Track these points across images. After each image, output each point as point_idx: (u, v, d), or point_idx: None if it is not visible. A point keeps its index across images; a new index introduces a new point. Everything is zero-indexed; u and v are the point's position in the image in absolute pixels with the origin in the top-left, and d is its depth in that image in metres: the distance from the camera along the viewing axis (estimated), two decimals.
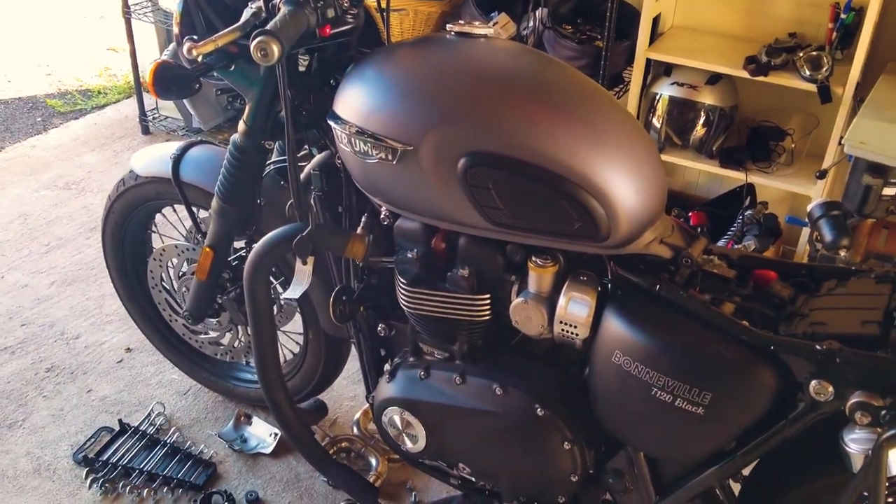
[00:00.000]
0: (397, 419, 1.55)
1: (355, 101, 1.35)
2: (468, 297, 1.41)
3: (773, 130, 2.55)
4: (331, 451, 2.02)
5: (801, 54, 2.28)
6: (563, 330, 1.34)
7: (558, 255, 1.35)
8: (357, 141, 1.34)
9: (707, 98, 2.49)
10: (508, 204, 1.28)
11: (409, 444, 1.56)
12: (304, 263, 1.49)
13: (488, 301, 1.42)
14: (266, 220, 1.75)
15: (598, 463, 1.44)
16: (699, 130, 2.54)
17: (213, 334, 2.07)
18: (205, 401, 2.26)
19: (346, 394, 2.26)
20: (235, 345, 2.05)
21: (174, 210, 2.03)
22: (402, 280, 1.45)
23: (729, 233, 2.54)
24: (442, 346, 1.52)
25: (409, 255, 1.44)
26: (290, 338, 2.09)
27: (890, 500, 1.15)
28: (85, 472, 1.98)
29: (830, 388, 1.13)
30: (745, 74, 2.35)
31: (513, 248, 1.37)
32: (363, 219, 1.51)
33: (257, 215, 1.74)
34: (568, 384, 1.44)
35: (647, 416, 1.28)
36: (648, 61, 2.57)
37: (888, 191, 2.08)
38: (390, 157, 1.31)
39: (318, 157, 1.58)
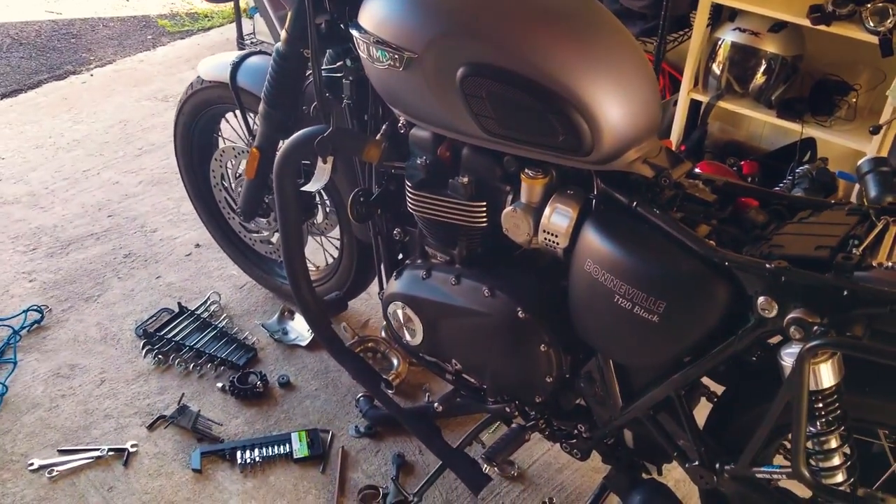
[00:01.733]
0: (399, 313, 1.69)
1: (373, 11, 1.46)
2: (466, 203, 1.52)
3: (839, 84, 2.49)
4: (358, 350, 2.19)
5: (869, 5, 2.22)
6: (545, 238, 1.43)
7: (550, 169, 1.43)
8: (372, 48, 1.46)
9: (769, 46, 2.45)
10: (500, 114, 1.37)
11: (408, 337, 1.70)
12: (325, 162, 1.63)
13: (484, 208, 1.52)
14: (307, 124, 1.89)
15: (573, 368, 1.54)
16: (759, 79, 2.51)
17: (263, 233, 2.26)
18: (256, 295, 2.47)
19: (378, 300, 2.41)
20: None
21: (235, 116, 2.21)
22: (409, 183, 1.57)
23: (780, 185, 2.52)
24: (444, 249, 1.63)
25: (418, 162, 1.55)
26: (332, 243, 2.25)
27: (822, 415, 1.20)
28: (142, 344, 2.23)
29: (775, 305, 1.18)
30: (807, 23, 2.30)
31: (509, 160, 1.46)
32: (383, 126, 1.64)
33: (299, 119, 1.88)
34: (549, 293, 1.52)
35: (611, 322, 1.36)
36: (713, 5, 2.54)
37: None
38: (397, 64, 1.42)
39: (349, 67, 1.70)
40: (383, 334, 2.22)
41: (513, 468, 1.92)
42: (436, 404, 1.74)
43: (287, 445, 1.95)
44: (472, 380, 1.71)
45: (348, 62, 1.72)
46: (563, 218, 1.40)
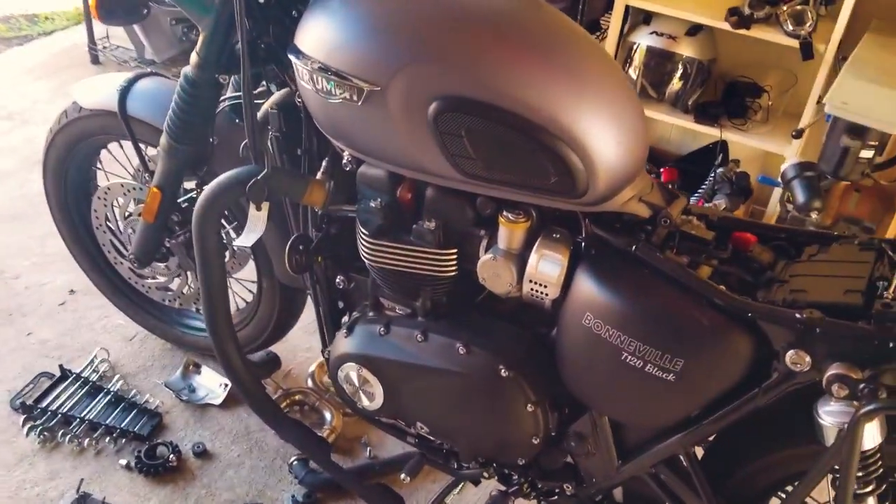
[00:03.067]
0: (354, 375, 1.48)
1: (319, 35, 1.24)
2: (434, 252, 1.33)
3: (751, 87, 2.49)
4: (284, 405, 1.96)
5: (785, 8, 2.20)
6: (532, 289, 1.27)
7: (531, 211, 1.27)
8: (319, 78, 1.24)
9: (686, 49, 2.41)
10: (481, 154, 1.19)
11: (365, 402, 1.50)
12: (259, 209, 1.40)
13: (455, 256, 1.34)
14: (219, 160, 1.64)
15: (561, 426, 1.39)
16: (676, 84, 2.46)
17: (160, 279, 1.97)
18: (151, 348, 2.16)
19: (301, 345, 2.18)
20: (185, 291, 1.96)
21: (121, 146, 1.90)
22: (363, 231, 1.36)
23: (700, 190, 2.49)
24: (404, 301, 1.44)
25: (372, 205, 1.35)
26: (243, 286, 1.99)
27: (860, 473, 1.12)
28: (22, 420, 1.89)
29: (808, 359, 1.09)
30: (726, 26, 2.27)
31: (483, 202, 1.29)
32: (324, 163, 1.42)
33: (209, 155, 1.63)
34: (533, 345, 1.38)
35: (615, 381, 1.23)
36: (627, 8, 2.47)
37: (865, 153, 2.04)
38: (355, 98, 1.21)
39: (276, 95, 1.47)
40: (310, 384, 2.00)
41: None
42: (403, 476, 1.54)
43: None
44: (441, 442, 1.53)
45: (272, 88, 1.49)
46: (554, 266, 1.25)
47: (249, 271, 1.91)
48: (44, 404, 1.92)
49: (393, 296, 1.45)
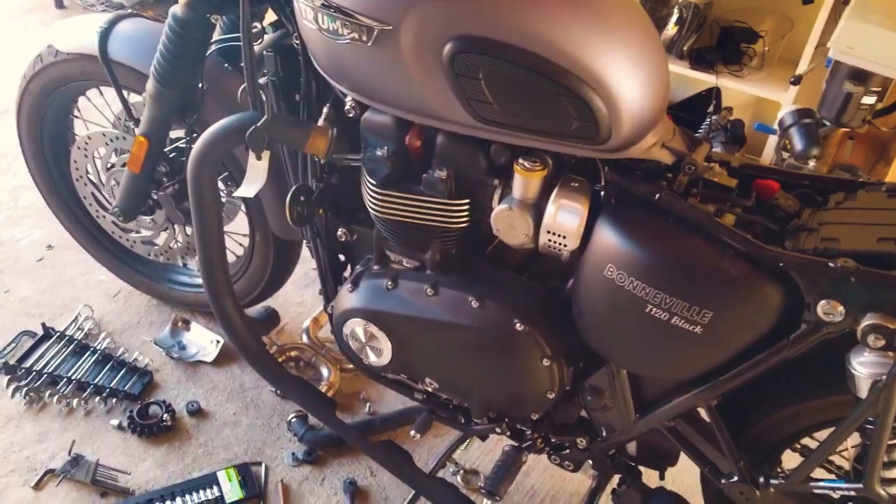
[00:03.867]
0: (360, 331, 1.43)
1: None
2: (445, 203, 1.27)
3: (746, 32, 2.43)
4: (280, 359, 1.90)
5: None
6: (549, 240, 1.22)
7: (547, 158, 1.22)
8: (324, 17, 1.16)
9: None
10: (500, 98, 1.13)
11: (372, 358, 1.45)
12: (259, 158, 1.32)
13: (467, 207, 1.28)
14: (209, 107, 1.56)
15: (576, 379, 1.36)
16: (671, 29, 2.40)
17: (146, 233, 1.88)
18: (137, 304, 2.09)
19: (293, 299, 2.12)
20: (171, 245, 1.88)
21: (101, 92, 1.81)
22: (370, 181, 1.30)
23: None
24: (411, 254, 1.38)
25: (379, 153, 1.28)
26: (234, 239, 1.92)
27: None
28: (6, 381, 1.81)
29: (841, 309, 1.05)
30: None
31: (497, 149, 1.23)
32: (325, 109, 1.34)
33: (199, 101, 1.54)
34: (547, 298, 1.34)
35: (638, 334, 1.19)
36: None
37: (867, 99, 2.00)
38: (364, 38, 1.13)
39: (271, 36, 1.39)
40: (305, 339, 1.95)
41: (478, 478, 1.74)
42: (412, 432, 1.50)
43: (215, 488, 1.65)
44: (450, 398, 1.49)
45: (266, 29, 1.40)
46: (573, 216, 1.19)
47: (239, 224, 1.84)
48: (28, 364, 1.84)
49: (400, 248, 1.39)
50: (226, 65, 1.61)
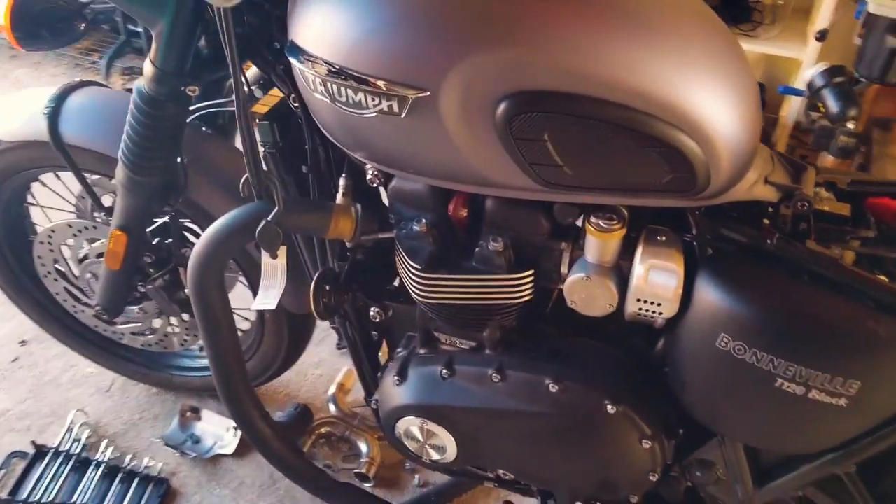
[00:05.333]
0: (416, 430, 1.22)
1: (330, 29, 0.92)
2: (505, 278, 1.06)
3: None
4: (310, 441, 1.68)
5: None
6: (640, 309, 1.02)
7: (623, 211, 1.01)
8: (338, 87, 0.93)
9: None
10: (570, 159, 0.91)
11: (435, 456, 1.24)
12: (274, 257, 1.10)
13: (531, 278, 1.07)
14: (194, 184, 1.32)
15: (679, 453, 1.17)
16: None
17: (136, 324, 1.65)
18: (136, 396, 1.85)
19: (308, 359, 1.90)
20: (167, 332, 1.64)
21: (57, 176, 1.55)
22: (412, 265, 1.08)
23: None
24: (466, 334, 1.18)
25: (417, 228, 1.07)
26: (238, 314, 1.68)
27: None
28: None
29: None
30: None
31: (562, 208, 1.02)
32: (341, 182, 1.12)
33: (182, 181, 1.30)
34: (636, 367, 1.14)
35: (766, 410, 1.00)
36: None
37: None
38: (396, 109, 0.91)
39: (262, 100, 1.16)
40: (333, 410, 1.73)
41: None
42: None
43: None
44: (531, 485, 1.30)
45: (255, 91, 1.18)
46: (668, 278, 0.99)
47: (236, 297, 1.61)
48: (24, 495, 1.61)
49: (451, 329, 1.18)
50: (204, 129, 1.38)
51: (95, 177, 1.43)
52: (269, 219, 1.04)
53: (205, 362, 1.79)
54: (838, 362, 0.92)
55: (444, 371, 1.17)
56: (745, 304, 0.95)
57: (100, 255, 1.51)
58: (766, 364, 0.95)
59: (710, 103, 0.89)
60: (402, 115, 0.91)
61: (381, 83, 0.90)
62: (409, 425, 1.22)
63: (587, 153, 0.91)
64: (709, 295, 0.98)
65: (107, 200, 1.44)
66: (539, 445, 1.17)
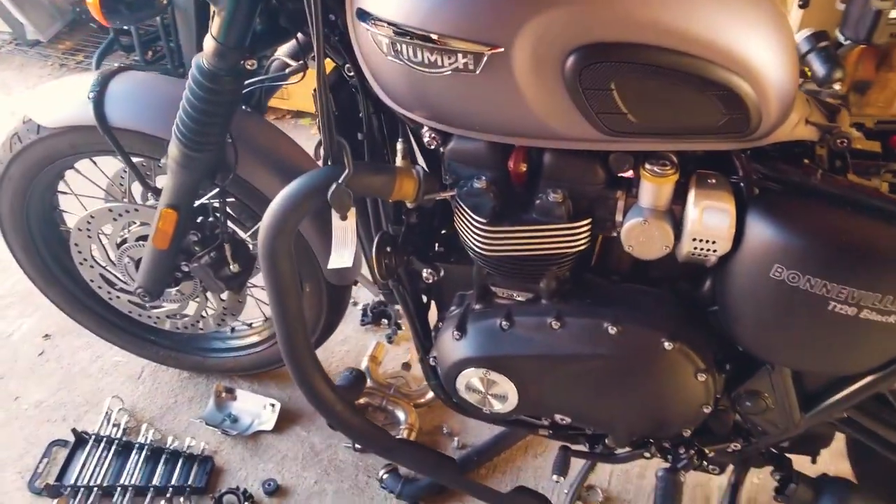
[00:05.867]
0: (477, 382, 1.27)
1: None
2: (564, 227, 1.12)
3: None
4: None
5: None
6: (696, 248, 1.08)
7: (673, 158, 1.08)
8: (413, 48, 0.98)
9: None
10: (636, 106, 0.98)
11: (496, 406, 1.30)
12: (344, 218, 1.14)
13: (589, 227, 1.14)
14: (243, 161, 1.35)
15: (728, 387, 1.25)
16: None
17: (172, 306, 1.67)
18: (168, 381, 1.88)
19: (335, 338, 1.92)
20: (206, 313, 1.67)
21: (94, 163, 1.56)
22: (477, 219, 1.13)
23: None
24: (522, 286, 1.24)
25: (478, 185, 1.12)
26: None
27: None
28: None
29: None
30: None
31: (618, 158, 1.08)
32: (399, 146, 1.17)
33: (233, 158, 1.33)
34: (686, 306, 1.21)
35: (818, 333, 1.08)
36: None
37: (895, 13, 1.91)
38: (471, 66, 0.96)
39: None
40: (368, 382, 1.78)
41: (597, 494, 1.62)
42: (554, 475, 1.36)
43: None
44: (584, 429, 1.36)
45: (311, 62, 1.22)
46: (722, 217, 1.06)
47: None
48: (71, 480, 1.63)
49: (509, 282, 1.24)
50: (244, 107, 1.41)
51: (138, 160, 1.46)
52: (339, 181, 1.09)
53: (237, 343, 1.82)
54: (887, 281, 1.00)
55: (504, 322, 1.23)
56: (798, 234, 1.03)
57: (140, 239, 1.54)
58: (820, 289, 1.02)
59: (759, 49, 0.96)
60: (477, 72, 0.97)
61: (457, 42, 0.95)
62: (471, 377, 1.27)
63: (651, 100, 0.98)
64: (761, 230, 1.05)
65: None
66: (598, 387, 1.24)
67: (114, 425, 1.75)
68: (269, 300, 1.21)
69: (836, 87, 1.74)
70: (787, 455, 1.39)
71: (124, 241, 1.56)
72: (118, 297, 1.69)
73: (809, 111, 1.09)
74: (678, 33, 0.93)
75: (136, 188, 1.56)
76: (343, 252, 1.16)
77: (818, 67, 1.60)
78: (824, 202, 1.04)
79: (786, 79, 1.00)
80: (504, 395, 1.28)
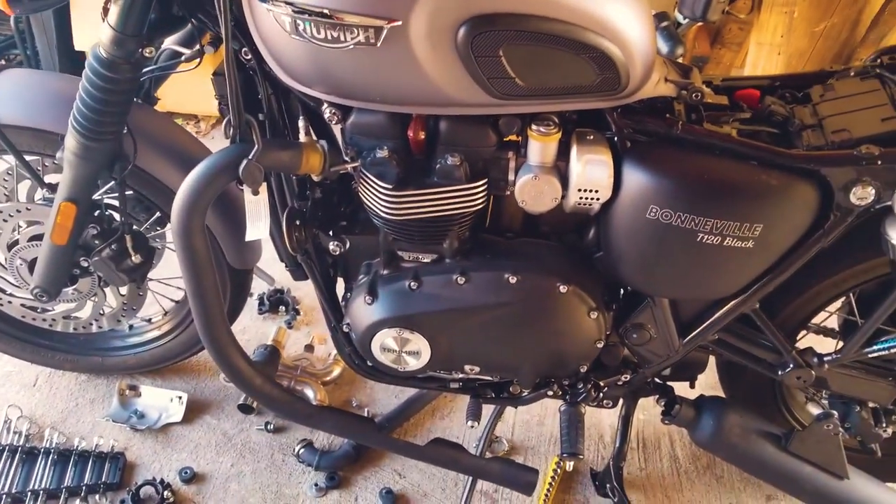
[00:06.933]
0: (391, 341, 1.36)
1: None
2: (464, 188, 1.23)
3: None
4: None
5: None
6: (581, 198, 1.22)
7: (555, 119, 1.20)
8: (313, 26, 1.05)
9: None
10: (522, 70, 1.10)
11: (410, 363, 1.39)
12: (256, 193, 1.19)
13: (485, 186, 1.25)
14: (141, 151, 1.37)
15: (616, 323, 1.39)
16: None
17: (68, 306, 1.65)
18: (65, 385, 1.84)
19: (233, 328, 1.95)
20: (104, 311, 1.66)
21: None
22: (383, 185, 1.21)
23: None
24: (428, 247, 1.33)
25: (381, 154, 1.21)
26: (170, 285, 1.72)
27: None
28: None
29: (871, 190, 1.15)
30: None
31: (507, 121, 1.20)
32: (301, 124, 1.23)
33: (131, 148, 1.35)
34: (575, 253, 1.34)
35: (690, 263, 1.24)
36: None
37: None
38: (373, 40, 1.05)
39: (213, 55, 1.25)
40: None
41: (501, 444, 1.74)
42: (468, 422, 1.46)
43: None
44: (491, 378, 1.47)
45: (207, 48, 1.26)
46: (601, 168, 1.20)
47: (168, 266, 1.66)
48: None
49: (414, 245, 1.33)
50: (136, 100, 1.43)
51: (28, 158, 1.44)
52: (250, 157, 1.14)
53: (137, 339, 1.81)
54: (744, 211, 1.17)
55: (413, 283, 1.32)
56: (667, 178, 1.18)
57: (33, 239, 1.52)
58: (689, 223, 1.18)
59: (624, 17, 1.10)
60: (378, 45, 1.05)
61: (357, 18, 1.03)
62: (385, 338, 1.35)
63: (535, 64, 1.09)
64: (636, 177, 1.19)
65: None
66: (503, 334, 1.35)
67: (14, 433, 1.70)
68: (185, 278, 1.24)
69: (679, 61, 1.94)
70: (669, 384, 1.56)
71: (15, 243, 1.54)
72: (9, 302, 1.65)
73: (667, 71, 1.24)
74: (556, 3, 1.05)
75: (21, 188, 1.54)
76: (258, 224, 1.21)
77: (662, 45, 1.78)
78: (686, 149, 1.20)
79: (646, 42, 1.14)
80: (417, 351, 1.37)
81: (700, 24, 2.46)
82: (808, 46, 2.76)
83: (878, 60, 1.32)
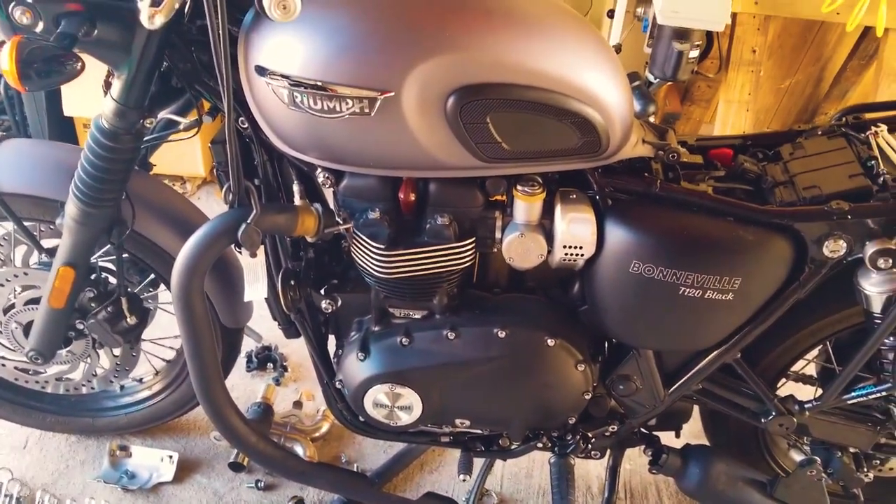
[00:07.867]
0: (384, 397, 1.39)
1: (299, 48, 1.10)
2: (453, 247, 1.28)
3: None
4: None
5: None
6: (566, 254, 1.27)
7: (539, 179, 1.26)
8: (312, 97, 1.10)
9: None
10: (508, 135, 1.16)
11: (402, 418, 1.41)
12: (254, 255, 1.23)
13: (473, 245, 1.30)
14: (139, 216, 1.41)
15: (603, 375, 1.43)
16: None
17: (61, 368, 1.67)
18: (55, 447, 1.84)
19: None
20: (96, 372, 1.68)
21: None
22: (376, 246, 1.26)
23: None
24: (418, 304, 1.37)
25: (373, 216, 1.26)
26: (161, 345, 1.75)
27: None
28: None
29: (843, 243, 1.21)
30: None
31: (493, 182, 1.25)
32: (296, 188, 1.28)
33: (130, 213, 1.39)
34: (560, 307, 1.39)
35: (672, 315, 1.29)
36: None
37: (693, 53, 2.23)
38: (367, 110, 1.10)
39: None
40: None
41: (491, 497, 1.76)
42: (460, 475, 1.48)
43: None
44: (481, 431, 1.50)
45: (206, 118, 1.31)
46: (585, 225, 1.25)
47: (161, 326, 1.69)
48: None
49: (405, 302, 1.37)
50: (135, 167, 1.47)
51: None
52: (248, 221, 1.18)
53: (128, 399, 1.81)
54: (723, 265, 1.22)
55: (404, 339, 1.36)
56: (648, 234, 1.24)
57: (30, 303, 1.54)
58: (670, 277, 1.23)
59: (603, 85, 1.17)
60: (372, 115, 1.11)
61: (353, 90, 1.09)
62: (378, 393, 1.38)
63: (520, 129, 1.15)
64: (618, 234, 1.25)
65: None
66: (493, 387, 1.39)
67: (6, 496, 1.70)
68: (183, 339, 1.27)
69: (651, 119, 2.03)
70: (655, 434, 1.59)
71: (11, 307, 1.56)
72: (2, 365, 1.66)
73: (644, 132, 1.31)
74: (538, 73, 1.12)
75: (17, 252, 1.57)
76: (256, 285, 1.25)
77: (634, 104, 1.87)
78: (666, 206, 1.26)
79: (625, 107, 1.21)
80: (409, 406, 1.40)
81: (670, 83, 2.59)
82: (774, 102, 2.88)
83: (843, 119, 1.40)
